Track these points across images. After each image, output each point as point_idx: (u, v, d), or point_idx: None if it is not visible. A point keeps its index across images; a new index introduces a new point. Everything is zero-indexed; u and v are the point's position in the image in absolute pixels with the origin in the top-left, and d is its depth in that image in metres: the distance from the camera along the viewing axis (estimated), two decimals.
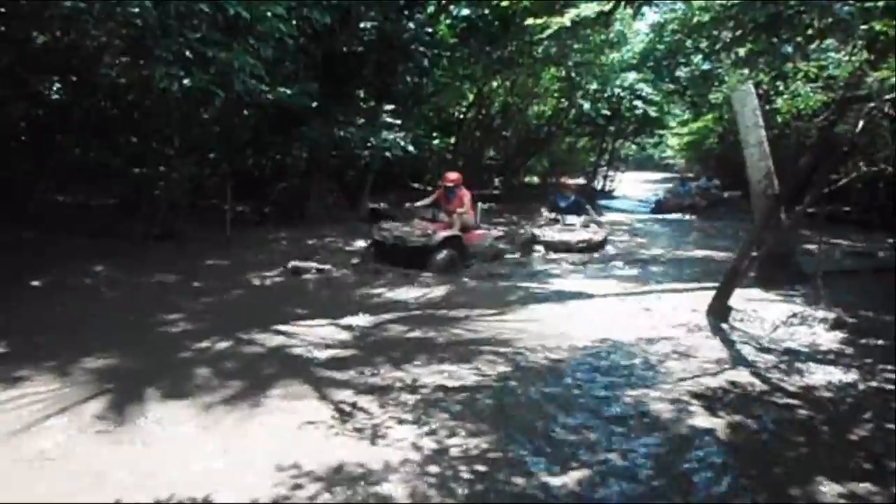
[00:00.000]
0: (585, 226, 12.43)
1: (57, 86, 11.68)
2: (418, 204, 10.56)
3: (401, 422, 4.12)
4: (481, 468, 3.53)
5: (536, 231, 12.19)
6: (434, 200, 10.40)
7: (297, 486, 3.28)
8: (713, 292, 7.26)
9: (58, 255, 8.74)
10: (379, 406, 4.33)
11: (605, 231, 12.99)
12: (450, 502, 3.21)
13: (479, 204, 11.03)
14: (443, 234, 9.43)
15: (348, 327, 6.43)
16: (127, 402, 4.28)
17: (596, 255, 11.74)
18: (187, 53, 8.34)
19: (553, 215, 12.79)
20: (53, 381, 4.64)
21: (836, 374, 5.30)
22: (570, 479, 3.45)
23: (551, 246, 11.70)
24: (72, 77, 11.17)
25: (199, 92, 8.86)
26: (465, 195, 10.16)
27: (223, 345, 5.77)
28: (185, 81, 8.44)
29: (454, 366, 5.23)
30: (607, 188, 29.02)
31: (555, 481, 3.43)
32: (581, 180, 27.00)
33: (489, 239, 10.71)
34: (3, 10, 9.11)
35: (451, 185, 10.14)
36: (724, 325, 6.76)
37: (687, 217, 19.75)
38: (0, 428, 3.85)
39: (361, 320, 6.70)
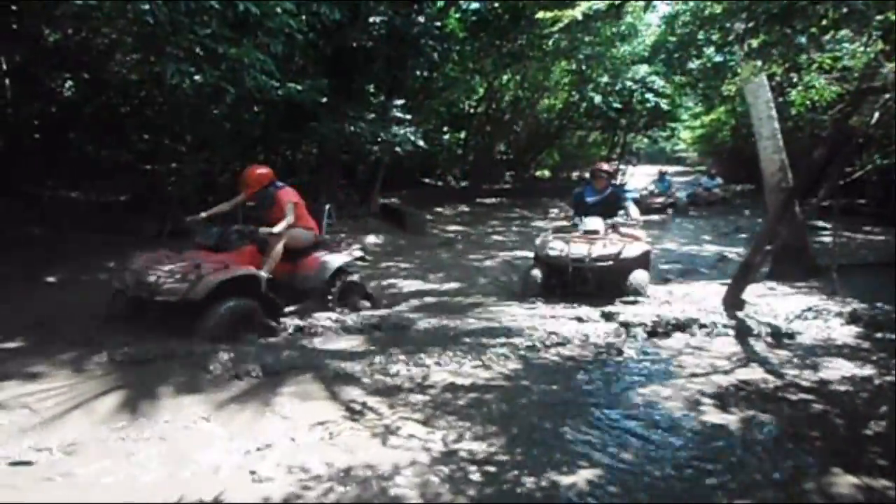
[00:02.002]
0: (614, 230, 7.92)
1: (69, 83, 11.75)
2: (204, 215, 6.45)
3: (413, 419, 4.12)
4: (491, 469, 3.51)
5: (539, 241, 8.09)
6: (234, 209, 6.69)
7: (308, 486, 3.28)
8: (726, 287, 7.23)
9: (71, 252, 8.79)
10: (388, 407, 4.31)
11: (645, 239, 8.19)
12: (460, 502, 3.20)
13: (327, 206, 7.25)
14: (219, 275, 5.54)
15: (360, 317, 6.48)
16: (140, 398, 4.29)
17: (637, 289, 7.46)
18: (198, 50, 8.36)
19: (571, 215, 8.39)
20: (69, 376, 4.66)
21: (852, 369, 5.25)
22: (579, 478, 3.43)
23: (554, 264, 7.62)
24: (83, 74, 11.23)
25: (209, 88, 8.88)
26: (288, 197, 6.45)
27: None
28: (196, 78, 8.45)
29: (465, 360, 5.22)
30: (619, 182, 28.91)
31: (565, 481, 3.40)
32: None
33: (333, 265, 6.74)
34: (14, 7, 9.17)
35: (257, 188, 6.47)
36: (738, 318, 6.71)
37: (655, 218, 17.27)
38: (18, 423, 3.88)
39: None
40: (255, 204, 6.61)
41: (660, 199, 19.07)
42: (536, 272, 7.69)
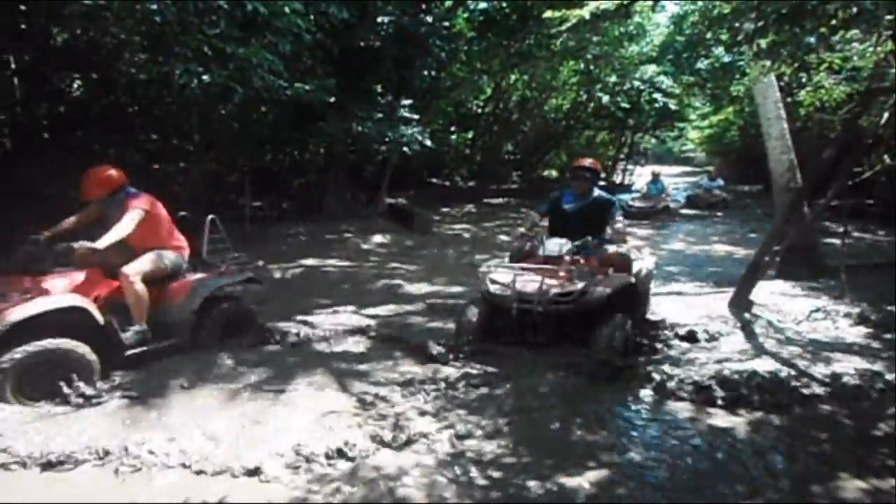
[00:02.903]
0: (585, 253, 5.74)
1: (77, 83, 11.80)
2: (47, 233, 4.77)
3: (423, 413, 4.12)
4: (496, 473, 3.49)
5: (483, 269, 5.88)
6: (82, 225, 5.11)
7: (315, 486, 3.28)
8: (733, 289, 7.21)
9: None
10: (396, 404, 4.29)
11: (641, 263, 6.23)
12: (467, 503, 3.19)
13: (209, 218, 5.66)
14: (15, 314, 4.12)
15: (370, 316, 6.50)
16: (151, 392, 4.30)
17: None
18: (206, 50, 8.39)
19: (532, 228, 6.16)
20: None
21: (861, 369, 5.22)
22: (585, 480, 3.40)
23: (497, 304, 5.47)
24: (92, 74, 11.27)
25: (217, 88, 8.91)
26: (139, 204, 4.98)
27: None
28: (204, 78, 8.49)
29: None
30: (626, 182, 28.86)
31: (570, 483, 3.38)
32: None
33: (205, 292, 5.26)
34: (23, 7, 9.21)
35: (101, 194, 4.98)
36: (746, 319, 6.69)
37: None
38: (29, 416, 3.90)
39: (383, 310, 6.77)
40: (105, 216, 5.04)
41: (648, 203, 17.89)
42: (474, 312, 5.57)
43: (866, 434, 4.09)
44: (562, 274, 5.42)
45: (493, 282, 5.54)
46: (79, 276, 4.61)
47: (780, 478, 3.49)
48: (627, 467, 3.55)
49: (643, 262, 6.37)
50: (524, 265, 5.68)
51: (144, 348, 4.83)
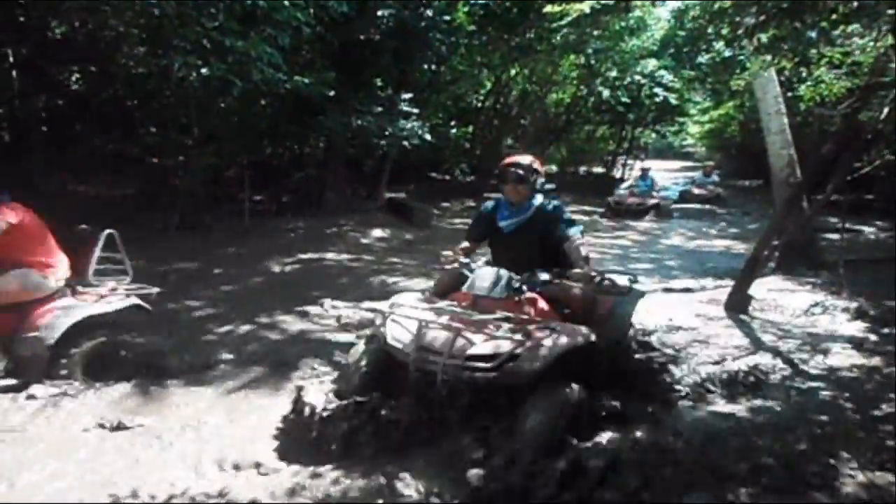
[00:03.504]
0: (531, 285, 3.91)
1: (76, 76, 11.80)
2: None
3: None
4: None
5: (388, 305, 4.04)
6: None
7: (313, 480, 3.27)
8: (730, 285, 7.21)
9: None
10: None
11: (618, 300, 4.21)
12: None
13: (105, 232, 4.80)
14: None
15: (368, 310, 6.51)
16: (150, 389, 4.31)
17: None
18: (205, 43, 8.38)
19: (460, 255, 4.26)
20: None
21: (859, 363, 5.22)
22: None
23: (395, 358, 3.74)
24: (91, 67, 11.27)
25: (216, 81, 8.91)
26: (2, 214, 4.25)
27: (244, 329, 5.83)
28: (203, 71, 8.49)
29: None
30: (626, 177, 28.82)
31: None
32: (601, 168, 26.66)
33: (68, 321, 4.32)
34: (21, 0, 9.20)
35: None
36: (744, 315, 6.69)
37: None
38: (31, 407, 3.93)
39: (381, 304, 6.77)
40: None
41: (635, 200, 17.20)
42: (363, 360, 3.94)
43: (866, 427, 4.09)
44: (486, 328, 3.62)
45: (394, 329, 3.77)
46: None
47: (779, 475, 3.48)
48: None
49: (618, 298, 4.20)
50: (439, 306, 3.93)
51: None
